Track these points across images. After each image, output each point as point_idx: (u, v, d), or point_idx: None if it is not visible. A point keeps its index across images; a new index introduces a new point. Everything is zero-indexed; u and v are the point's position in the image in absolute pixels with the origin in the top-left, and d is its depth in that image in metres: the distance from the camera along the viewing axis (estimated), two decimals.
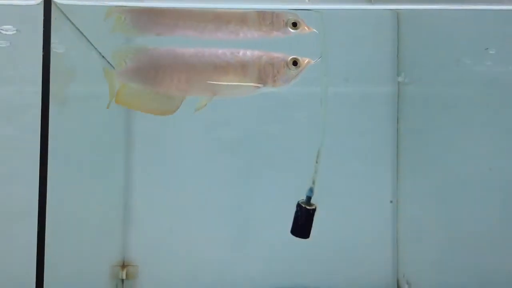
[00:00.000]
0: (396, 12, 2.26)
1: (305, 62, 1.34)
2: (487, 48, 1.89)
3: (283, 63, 1.34)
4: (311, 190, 1.61)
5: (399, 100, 2.46)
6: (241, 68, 1.34)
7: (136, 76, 1.37)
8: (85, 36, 1.60)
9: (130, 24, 1.37)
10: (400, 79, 2.41)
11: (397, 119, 2.47)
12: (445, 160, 2.34)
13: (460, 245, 2.28)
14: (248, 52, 1.35)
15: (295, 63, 1.34)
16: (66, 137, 1.67)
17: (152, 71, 1.36)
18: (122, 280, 2.38)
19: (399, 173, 2.45)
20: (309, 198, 1.61)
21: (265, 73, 1.34)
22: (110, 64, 2.02)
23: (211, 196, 2.42)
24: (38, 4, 1.26)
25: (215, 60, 1.34)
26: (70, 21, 1.43)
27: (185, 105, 2.42)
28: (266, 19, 1.34)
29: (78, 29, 1.52)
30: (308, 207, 1.60)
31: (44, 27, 1.24)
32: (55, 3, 1.28)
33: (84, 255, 1.96)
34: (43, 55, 1.24)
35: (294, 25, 1.33)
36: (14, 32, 1.71)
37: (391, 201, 2.45)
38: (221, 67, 1.34)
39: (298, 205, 1.60)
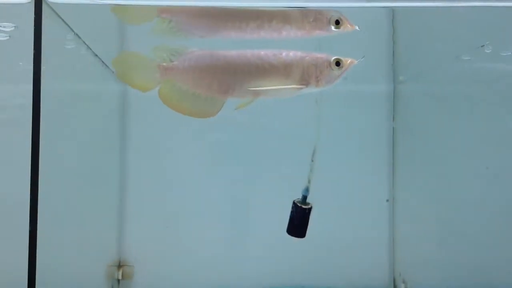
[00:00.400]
0: (392, 10, 2.25)
1: (348, 62, 1.35)
2: (483, 46, 1.89)
3: (326, 64, 1.34)
4: (306, 189, 1.61)
5: (395, 99, 2.46)
6: (284, 69, 1.34)
7: (179, 75, 1.37)
8: (77, 35, 1.59)
9: (175, 27, 1.36)
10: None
11: (393, 118, 2.46)
12: (441, 159, 2.33)
13: (457, 244, 2.28)
14: (291, 53, 1.35)
15: (338, 63, 1.34)
16: (61, 136, 1.67)
17: (195, 72, 1.36)
18: (118, 280, 2.37)
19: (395, 172, 2.45)
20: (304, 197, 1.61)
21: (308, 74, 1.34)
22: (106, 65, 2.03)
23: (207, 196, 2.42)
24: (29, 2, 1.25)
25: (257, 62, 1.34)
26: (62, 19, 1.42)
27: None
28: (309, 17, 1.34)
29: (70, 28, 1.52)
30: (304, 206, 1.60)
31: (35, 25, 1.23)
32: (46, 2, 1.27)
33: (80, 255, 1.95)
34: (34, 54, 1.23)
35: (337, 23, 1.33)
36: (12, 28, 1.70)
37: (387, 200, 2.45)
38: (264, 69, 1.34)
39: (294, 205, 1.60)
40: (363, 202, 2.42)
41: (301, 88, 1.34)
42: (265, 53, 1.34)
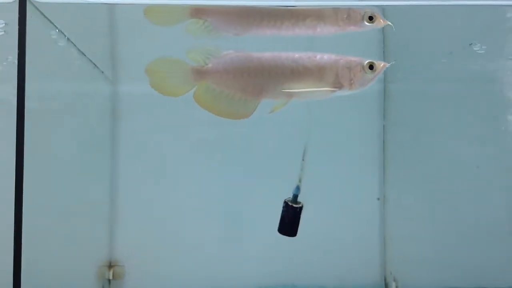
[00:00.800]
0: (382, 8, 2.25)
1: (381, 66, 1.36)
2: (471, 44, 1.89)
3: (360, 67, 1.34)
4: (297, 188, 1.61)
5: (385, 97, 2.46)
6: (318, 72, 1.34)
7: (213, 78, 1.38)
8: (64, 34, 1.57)
9: (210, 26, 1.37)
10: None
11: (384, 116, 2.47)
12: (432, 157, 2.34)
13: (448, 243, 2.29)
14: (326, 56, 1.35)
15: (371, 67, 1.34)
16: (48, 136, 1.65)
17: (229, 74, 1.37)
18: (109, 280, 2.36)
19: (386, 170, 2.45)
20: (295, 196, 1.61)
21: (342, 77, 1.34)
22: (92, 62, 2.02)
23: (199, 195, 2.41)
24: (13, 1, 1.24)
25: (292, 64, 1.35)
26: (47, 18, 1.41)
27: (170, 103, 2.42)
28: (342, 14, 1.35)
29: (56, 27, 1.50)
30: (294, 205, 1.59)
31: (19, 25, 1.22)
32: (30, 1, 1.25)
33: (70, 255, 1.94)
34: (18, 53, 1.22)
35: (371, 18, 1.35)
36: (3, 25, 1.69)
37: (378, 199, 2.45)
38: (298, 71, 1.35)
39: (285, 204, 1.60)
40: (354, 201, 2.42)
41: (335, 91, 1.35)
42: (300, 55, 1.36)
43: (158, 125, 2.41)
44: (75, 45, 1.72)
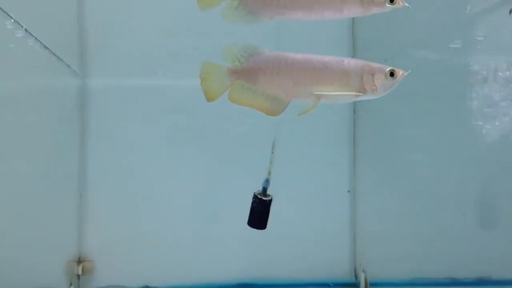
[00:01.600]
0: None
1: (400, 73, 1.41)
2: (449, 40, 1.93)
3: (382, 74, 1.40)
4: (267, 181, 1.61)
5: None
6: (346, 77, 1.40)
7: (248, 76, 1.42)
8: (24, 27, 1.54)
9: (244, 10, 1.39)
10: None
11: (354, 109, 2.48)
12: (402, 150, 2.36)
13: (417, 235, 2.32)
14: (352, 62, 1.41)
15: (392, 74, 1.40)
16: (12, 132, 1.62)
17: (263, 73, 1.41)
18: (78, 275, 2.33)
19: (356, 163, 2.47)
20: (265, 189, 1.61)
21: (366, 83, 1.40)
22: (55, 55, 1.98)
23: (169, 189, 2.40)
24: None
25: (321, 67, 1.40)
26: (3, 10, 1.37)
27: (140, 96, 2.39)
28: None
29: (11, 16, 1.47)
30: (264, 198, 1.59)
31: None
32: None
33: (37, 251, 1.91)
34: None
35: (391, 0, 1.36)
36: None
37: (348, 191, 2.47)
38: (327, 75, 1.40)
39: (254, 196, 1.60)
40: (324, 193, 2.44)
41: (359, 95, 1.42)
42: (329, 59, 1.41)
43: (127, 118, 2.39)
44: (35, 37, 1.68)
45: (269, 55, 1.42)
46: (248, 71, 1.41)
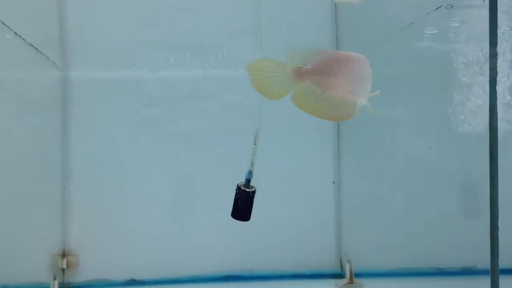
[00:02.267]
0: None
1: None
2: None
3: None
4: (250, 173, 1.60)
5: None
6: None
7: (311, 78, 1.34)
8: (4, 23, 1.52)
9: None
10: None
11: None
12: (385, 141, 2.37)
13: (401, 225, 2.33)
14: None
15: None
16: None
17: (327, 75, 1.34)
18: (63, 269, 2.32)
19: (341, 154, 2.47)
20: (248, 181, 1.60)
21: None
22: (34, 47, 1.95)
23: (152, 182, 2.39)
24: None
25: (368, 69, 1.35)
26: None
27: (120, 88, 2.37)
28: None
29: None
30: (247, 190, 1.58)
31: None
32: None
33: (21, 245, 1.90)
34: None
35: None
36: None
37: (333, 182, 2.47)
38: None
39: (238, 188, 1.59)
40: (309, 184, 2.43)
41: None
42: None
43: (110, 112, 2.37)
44: (13, 31, 1.66)
45: (329, 54, 1.36)
46: (312, 72, 1.34)
